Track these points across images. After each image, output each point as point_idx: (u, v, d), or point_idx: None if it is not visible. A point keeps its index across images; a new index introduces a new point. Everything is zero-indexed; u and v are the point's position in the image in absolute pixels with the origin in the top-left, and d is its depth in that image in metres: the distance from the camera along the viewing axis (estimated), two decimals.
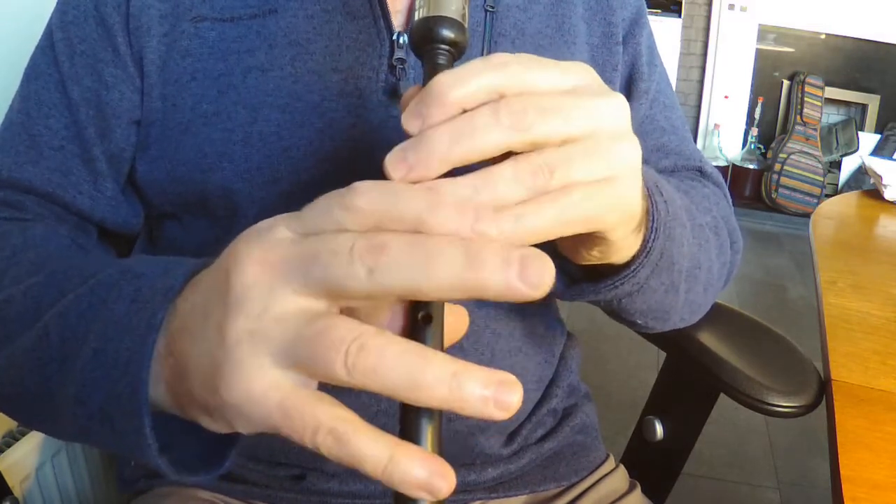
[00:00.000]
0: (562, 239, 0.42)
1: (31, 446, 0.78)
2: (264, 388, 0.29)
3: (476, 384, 0.27)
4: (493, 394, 0.27)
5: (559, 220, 0.32)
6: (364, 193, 0.29)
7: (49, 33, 0.55)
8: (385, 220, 0.29)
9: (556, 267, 0.49)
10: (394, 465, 0.27)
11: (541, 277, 0.27)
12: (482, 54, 0.54)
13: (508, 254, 0.27)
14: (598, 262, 0.43)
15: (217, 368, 0.30)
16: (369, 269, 0.27)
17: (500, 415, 0.27)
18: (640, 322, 0.55)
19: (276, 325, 0.29)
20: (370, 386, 0.27)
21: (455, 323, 0.32)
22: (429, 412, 0.29)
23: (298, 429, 0.28)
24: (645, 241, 0.43)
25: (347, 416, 0.28)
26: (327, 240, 0.29)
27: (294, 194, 0.52)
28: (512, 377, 0.28)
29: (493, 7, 0.55)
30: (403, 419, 0.30)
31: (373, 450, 0.27)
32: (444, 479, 0.27)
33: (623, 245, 0.41)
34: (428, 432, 0.29)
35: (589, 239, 0.39)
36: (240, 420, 0.31)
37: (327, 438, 0.28)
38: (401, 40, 0.52)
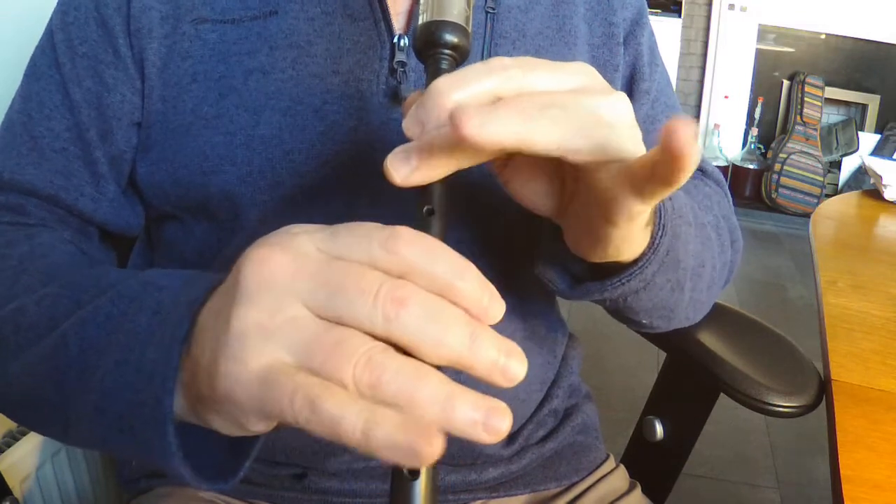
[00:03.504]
0: (579, 234, 0.42)
1: (31, 446, 0.78)
2: (255, 368, 0.29)
3: (468, 407, 0.28)
4: (482, 418, 0.28)
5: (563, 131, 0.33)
6: (408, 243, 0.30)
7: (49, 34, 0.55)
8: (417, 273, 0.30)
9: (560, 267, 0.50)
10: (371, 427, 0.27)
11: (517, 373, 0.30)
12: (482, 56, 0.54)
13: (501, 346, 0.30)
14: (610, 260, 0.43)
15: (218, 357, 0.30)
16: (388, 318, 0.29)
17: (488, 438, 0.28)
18: (644, 321, 0.55)
19: (290, 325, 0.29)
20: (369, 397, 0.28)
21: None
22: None
23: (278, 398, 0.28)
24: (652, 237, 0.43)
25: (324, 383, 0.28)
26: (356, 274, 0.29)
27: (296, 197, 0.52)
28: (503, 405, 0.29)
29: (493, 9, 0.55)
30: None
31: (350, 411, 0.27)
32: (429, 438, 0.26)
33: (636, 239, 0.41)
34: None
35: (605, 231, 0.39)
36: (237, 410, 0.31)
37: (304, 406, 0.28)
38: (401, 43, 0.52)
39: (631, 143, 0.34)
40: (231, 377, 0.30)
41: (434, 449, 0.26)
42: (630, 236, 0.40)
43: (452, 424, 0.28)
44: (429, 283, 0.30)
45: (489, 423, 0.28)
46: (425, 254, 0.30)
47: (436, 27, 0.37)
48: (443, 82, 0.33)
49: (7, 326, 0.44)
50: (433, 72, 0.37)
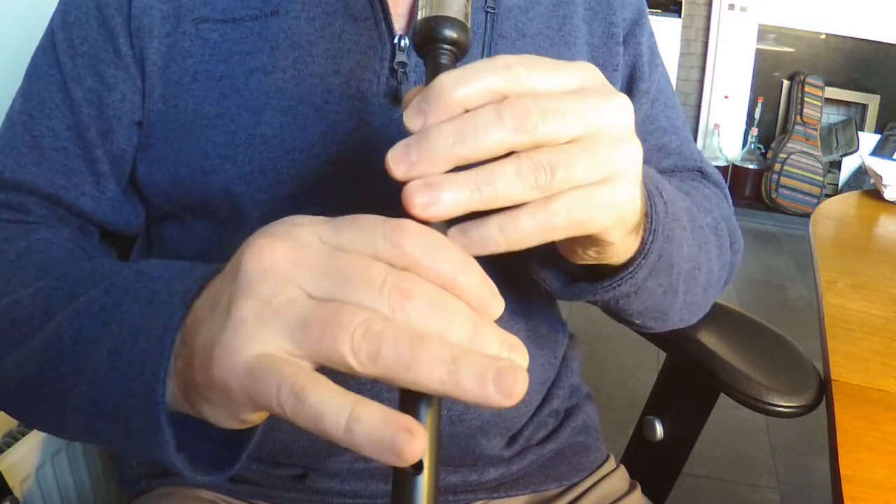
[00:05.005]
0: (565, 239, 0.42)
1: (31, 446, 0.78)
2: (247, 356, 0.29)
3: (475, 366, 0.27)
4: (493, 376, 0.27)
5: (557, 224, 0.33)
6: (413, 235, 0.30)
7: (51, 33, 0.55)
8: (422, 267, 0.29)
9: (554, 266, 0.50)
10: (354, 422, 0.27)
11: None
12: (482, 56, 0.54)
13: (504, 340, 0.29)
14: (596, 263, 0.43)
15: (214, 344, 0.30)
16: (392, 309, 0.28)
17: (501, 400, 0.27)
18: (637, 322, 0.55)
19: (286, 307, 0.29)
20: (371, 369, 0.28)
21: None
22: (427, 398, 0.29)
23: (264, 390, 0.28)
24: (643, 243, 0.43)
25: (312, 375, 0.28)
26: (361, 264, 0.29)
27: (297, 196, 0.52)
28: (515, 363, 0.28)
29: (493, 9, 0.55)
30: (402, 402, 0.30)
31: (333, 405, 0.27)
32: (412, 435, 0.26)
33: (620, 247, 0.42)
34: (427, 414, 0.29)
35: (587, 239, 0.39)
36: (230, 399, 0.31)
37: (289, 397, 0.28)
38: (402, 43, 0.52)
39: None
40: (223, 365, 0.30)
41: (416, 445, 0.26)
42: (613, 248, 0.41)
43: (460, 387, 0.27)
44: (431, 277, 0.30)
45: (501, 381, 0.27)
46: (428, 248, 0.30)
47: (435, 22, 0.37)
48: (447, 78, 0.33)
49: (3, 320, 0.44)
50: (433, 67, 0.37)
